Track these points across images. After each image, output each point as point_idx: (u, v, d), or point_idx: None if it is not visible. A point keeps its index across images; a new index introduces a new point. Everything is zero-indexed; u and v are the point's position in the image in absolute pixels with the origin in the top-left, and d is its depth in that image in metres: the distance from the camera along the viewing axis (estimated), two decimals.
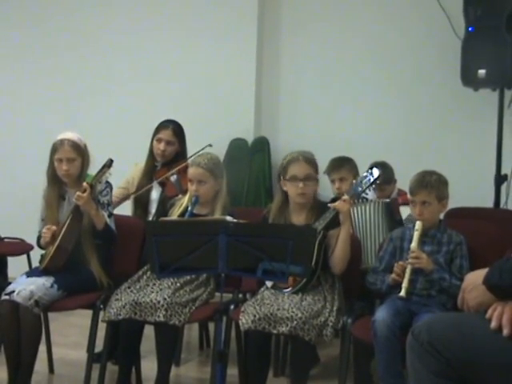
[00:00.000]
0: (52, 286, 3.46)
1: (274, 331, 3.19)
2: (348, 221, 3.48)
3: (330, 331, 3.23)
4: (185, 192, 3.81)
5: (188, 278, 3.51)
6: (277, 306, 3.26)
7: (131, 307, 3.35)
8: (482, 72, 4.69)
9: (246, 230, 2.85)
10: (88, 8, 5.92)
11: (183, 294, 3.45)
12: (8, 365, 3.45)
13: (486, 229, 3.58)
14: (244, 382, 3.50)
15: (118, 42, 5.86)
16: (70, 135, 3.70)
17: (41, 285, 3.43)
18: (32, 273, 3.62)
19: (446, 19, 5.10)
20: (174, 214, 3.69)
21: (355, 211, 3.90)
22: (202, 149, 4.16)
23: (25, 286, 3.41)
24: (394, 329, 3.05)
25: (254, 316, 3.21)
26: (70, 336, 4.52)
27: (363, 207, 3.93)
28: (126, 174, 4.42)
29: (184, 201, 3.73)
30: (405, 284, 3.22)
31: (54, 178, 3.71)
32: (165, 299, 3.34)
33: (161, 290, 3.44)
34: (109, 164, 3.57)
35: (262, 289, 3.52)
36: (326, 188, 4.25)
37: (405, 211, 3.95)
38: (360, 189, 3.49)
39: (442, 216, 3.53)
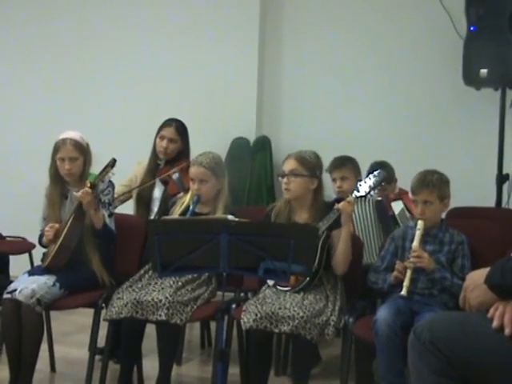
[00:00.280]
0: (54, 285, 3.46)
1: (276, 330, 3.19)
2: (349, 222, 3.48)
3: (331, 330, 3.23)
4: (187, 190, 3.81)
5: (190, 276, 3.51)
6: (278, 304, 3.25)
7: (133, 306, 3.35)
8: (483, 71, 4.68)
9: (248, 229, 2.84)
10: (91, 8, 5.92)
11: (185, 292, 3.45)
12: (10, 363, 3.45)
13: (487, 228, 3.58)
14: (245, 381, 3.50)
15: (120, 41, 5.86)
16: (72, 134, 3.70)
17: (43, 283, 3.43)
18: (34, 271, 3.62)
19: (447, 19, 5.09)
20: (176, 213, 3.68)
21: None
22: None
23: (27, 284, 3.41)
24: (396, 328, 3.05)
25: (256, 315, 3.20)
26: (72, 335, 4.52)
27: (356, 206, 3.92)
28: (127, 173, 4.41)
29: (186, 199, 3.73)
30: (406, 283, 3.22)
31: (56, 176, 3.70)
32: (166, 298, 3.34)
33: (162, 288, 3.44)
34: (112, 164, 3.57)
35: (264, 287, 3.52)
36: (329, 187, 4.25)
37: (397, 206, 3.95)
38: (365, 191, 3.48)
39: (443, 215, 3.53)
